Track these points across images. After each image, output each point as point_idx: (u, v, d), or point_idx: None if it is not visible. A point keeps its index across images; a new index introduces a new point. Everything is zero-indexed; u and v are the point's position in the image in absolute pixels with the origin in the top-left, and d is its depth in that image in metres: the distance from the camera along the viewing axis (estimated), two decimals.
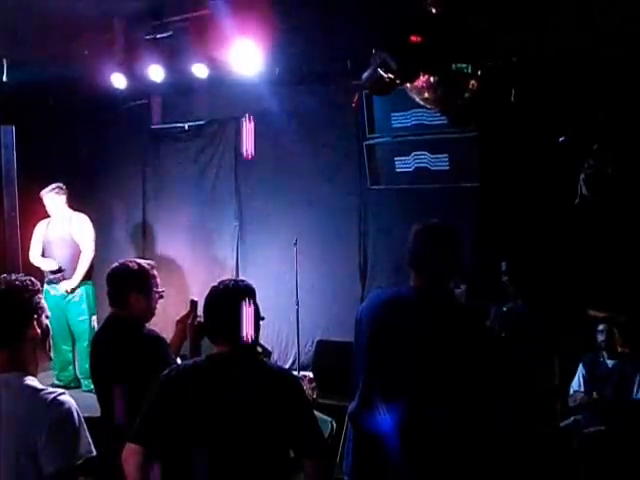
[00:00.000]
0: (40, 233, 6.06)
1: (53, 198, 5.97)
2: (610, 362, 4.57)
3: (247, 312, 2.40)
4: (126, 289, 3.10)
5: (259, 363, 2.49)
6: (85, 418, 1.99)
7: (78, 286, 6.02)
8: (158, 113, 7.23)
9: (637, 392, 4.38)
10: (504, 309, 4.52)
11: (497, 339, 2.69)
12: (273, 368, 2.57)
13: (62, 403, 1.93)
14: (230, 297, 2.45)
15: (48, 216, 6.10)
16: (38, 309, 2.05)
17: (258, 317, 2.49)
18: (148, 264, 3.22)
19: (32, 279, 2.11)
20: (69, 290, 5.97)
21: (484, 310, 4.40)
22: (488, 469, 2.64)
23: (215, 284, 2.50)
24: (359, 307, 2.90)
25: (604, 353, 4.61)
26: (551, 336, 4.28)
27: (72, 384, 6.05)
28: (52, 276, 5.98)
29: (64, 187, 6.02)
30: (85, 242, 6.05)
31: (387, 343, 2.66)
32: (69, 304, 6.03)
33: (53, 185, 5.97)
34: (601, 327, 4.59)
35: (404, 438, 2.53)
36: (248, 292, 2.48)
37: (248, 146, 5.16)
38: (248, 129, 5.13)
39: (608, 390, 4.44)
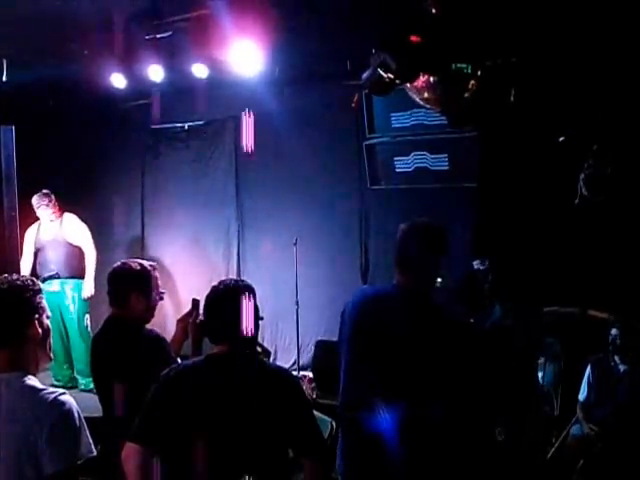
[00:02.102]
0: (31, 237, 6.09)
1: (43, 209, 6.03)
2: (622, 367, 4.41)
3: (247, 308, 2.41)
4: (127, 289, 3.09)
5: (258, 363, 2.49)
6: (84, 418, 1.99)
7: (71, 285, 6.09)
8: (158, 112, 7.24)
9: None
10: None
11: (479, 338, 2.69)
12: (272, 368, 2.58)
13: (63, 403, 1.93)
14: (230, 297, 2.45)
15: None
16: (39, 309, 2.05)
17: (257, 317, 2.49)
18: (150, 265, 3.22)
19: (33, 279, 2.11)
20: (91, 296, 6.03)
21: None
22: (473, 464, 2.65)
23: (215, 284, 2.51)
24: (345, 303, 2.89)
25: (616, 357, 4.43)
26: (532, 339, 4.27)
27: (69, 384, 6.05)
28: (46, 274, 6.00)
29: (48, 192, 6.07)
30: (85, 243, 6.11)
31: (369, 341, 2.65)
32: (62, 302, 6.05)
33: (41, 193, 6.00)
34: (614, 330, 4.42)
35: (391, 436, 2.52)
36: (248, 292, 2.48)
37: (248, 141, 5.18)
38: (248, 123, 5.14)
39: (620, 395, 4.35)
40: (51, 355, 2.15)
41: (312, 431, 2.42)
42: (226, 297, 2.46)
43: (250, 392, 2.32)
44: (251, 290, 2.50)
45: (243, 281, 2.57)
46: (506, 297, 4.55)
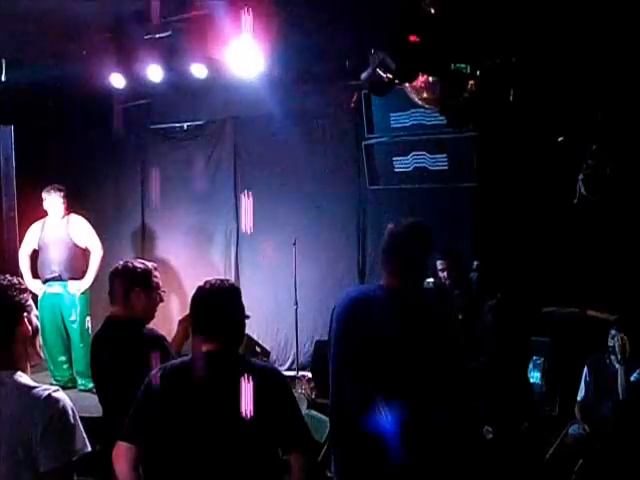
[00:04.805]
0: (34, 235, 6.03)
1: (54, 199, 5.98)
2: (618, 366, 4.39)
3: (233, 307, 2.46)
4: (128, 288, 3.10)
5: (245, 361, 2.51)
6: (81, 418, 1.99)
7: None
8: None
9: None
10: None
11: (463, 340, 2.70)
12: (258, 364, 2.58)
13: (57, 400, 1.93)
14: (215, 296, 2.49)
15: (46, 216, 6.11)
16: (27, 307, 2.05)
17: (243, 316, 2.51)
18: (151, 264, 3.23)
19: (19, 279, 2.11)
20: (80, 291, 5.99)
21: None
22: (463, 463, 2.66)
23: (201, 284, 2.53)
24: (335, 304, 2.89)
25: (612, 357, 4.42)
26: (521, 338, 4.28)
27: (69, 384, 6.04)
28: (48, 275, 5.99)
29: (62, 188, 6.05)
30: (92, 243, 6.08)
31: (359, 344, 2.65)
32: (64, 303, 6.03)
33: (55, 185, 5.98)
34: (613, 331, 4.41)
35: (385, 436, 2.53)
36: (233, 291, 2.52)
37: (247, 221, 5.23)
38: (247, 205, 5.19)
39: (616, 394, 4.34)
40: (41, 353, 2.15)
41: (298, 426, 2.44)
42: (211, 297, 2.49)
43: (237, 390, 2.33)
44: (236, 290, 2.55)
45: (228, 281, 2.62)
46: (496, 294, 4.55)
